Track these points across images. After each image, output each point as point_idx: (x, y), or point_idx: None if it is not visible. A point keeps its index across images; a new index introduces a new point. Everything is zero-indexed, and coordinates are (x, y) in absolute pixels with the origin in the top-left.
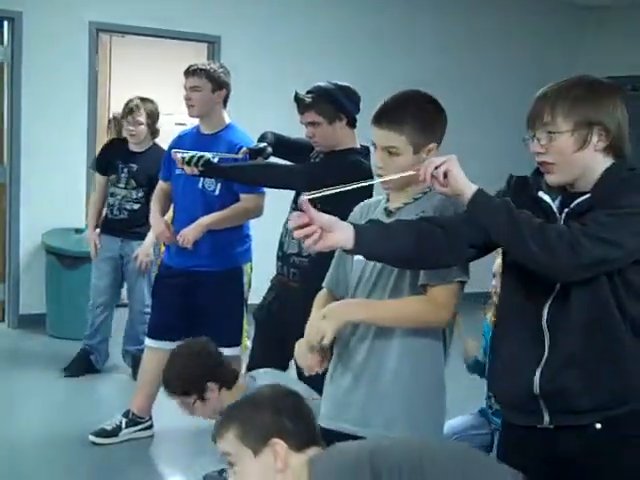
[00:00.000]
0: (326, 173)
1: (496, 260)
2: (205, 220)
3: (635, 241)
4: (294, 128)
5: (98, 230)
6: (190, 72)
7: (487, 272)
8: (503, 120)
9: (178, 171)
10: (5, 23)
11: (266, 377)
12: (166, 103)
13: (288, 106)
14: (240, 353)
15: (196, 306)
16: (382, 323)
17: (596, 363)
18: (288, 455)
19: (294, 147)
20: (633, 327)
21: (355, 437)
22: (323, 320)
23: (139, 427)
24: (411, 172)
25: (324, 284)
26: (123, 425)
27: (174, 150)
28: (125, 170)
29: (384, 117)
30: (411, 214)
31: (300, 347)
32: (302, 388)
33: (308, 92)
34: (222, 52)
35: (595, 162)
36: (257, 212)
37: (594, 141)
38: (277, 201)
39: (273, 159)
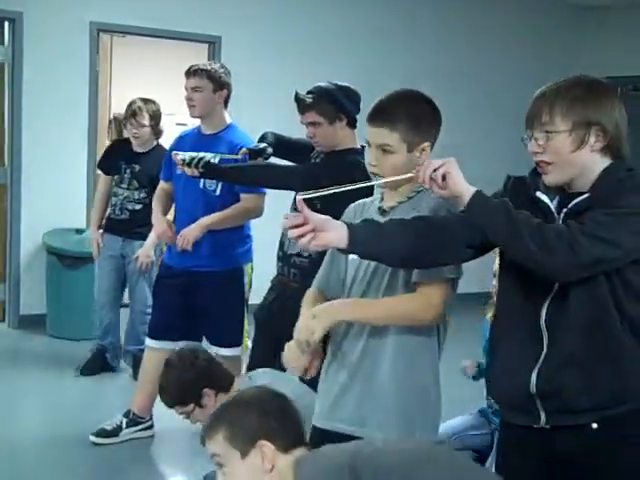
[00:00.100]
0: (326, 173)
1: (496, 260)
2: (205, 220)
3: (633, 241)
4: (295, 128)
5: (101, 230)
6: (191, 72)
7: (487, 272)
8: (503, 119)
9: (179, 171)
10: (6, 23)
11: (265, 377)
12: (167, 103)
13: (289, 106)
14: (241, 353)
15: (197, 306)
16: (372, 322)
17: (595, 363)
18: (275, 456)
19: (294, 147)
20: (632, 327)
21: (351, 437)
22: (313, 319)
23: (140, 427)
24: (410, 174)
25: (314, 284)
26: (124, 425)
27: (174, 152)
28: (128, 170)
29: (378, 115)
30: (405, 213)
31: (289, 348)
32: (303, 389)
33: (308, 92)
34: (222, 52)
35: (593, 162)
36: (257, 212)
37: (591, 141)
38: (277, 201)
39: (273, 159)
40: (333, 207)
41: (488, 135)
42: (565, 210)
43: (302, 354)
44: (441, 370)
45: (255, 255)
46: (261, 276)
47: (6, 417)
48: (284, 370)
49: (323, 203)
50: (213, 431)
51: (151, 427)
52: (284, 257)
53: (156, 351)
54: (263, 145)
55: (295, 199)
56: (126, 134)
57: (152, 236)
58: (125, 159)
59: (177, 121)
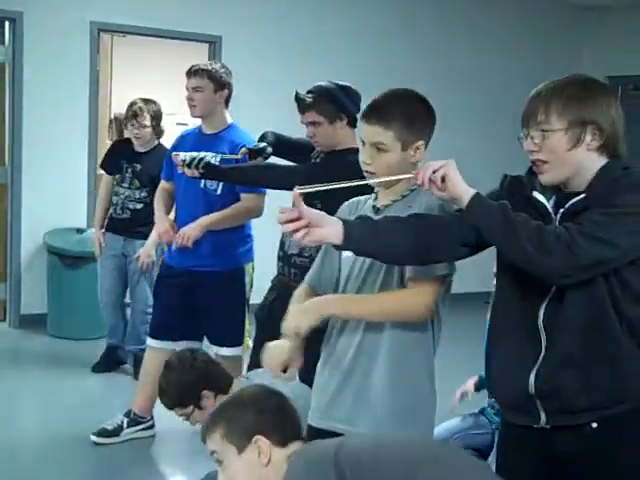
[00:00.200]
0: (326, 173)
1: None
2: (205, 220)
3: (629, 240)
4: (295, 128)
5: (103, 229)
6: (192, 72)
7: (488, 272)
8: (503, 119)
9: (180, 171)
10: (6, 23)
11: (264, 377)
12: (167, 103)
13: (289, 106)
14: (242, 353)
15: (198, 306)
16: (361, 317)
17: (593, 363)
18: (271, 451)
19: (294, 147)
20: (630, 328)
21: None
22: (301, 313)
23: (140, 427)
24: (409, 175)
25: (305, 280)
26: (124, 425)
27: (174, 153)
28: (129, 170)
29: (373, 114)
30: (399, 212)
31: (268, 349)
32: (302, 388)
33: (309, 92)
34: (223, 52)
35: (589, 161)
36: (258, 212)
37: (587, 140)
38: (278, 201)
39: (273, 159)
40: (334, 206)
41: (488, 135)
42: (562, 210)
43: (281, 355)
44: (442, 371)
45: (256, 255)
46: (262, 276)
47: (6, 417)
48: (284, 371)
49: (323, 202)
50: (211, 429)
51: (152, 427)
52: (285, 257)
53: (157, 351)
54: (263, 145)
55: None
56: (127, 134)
57: (153, 235)
58: (126, 159)
59: (178, 121)
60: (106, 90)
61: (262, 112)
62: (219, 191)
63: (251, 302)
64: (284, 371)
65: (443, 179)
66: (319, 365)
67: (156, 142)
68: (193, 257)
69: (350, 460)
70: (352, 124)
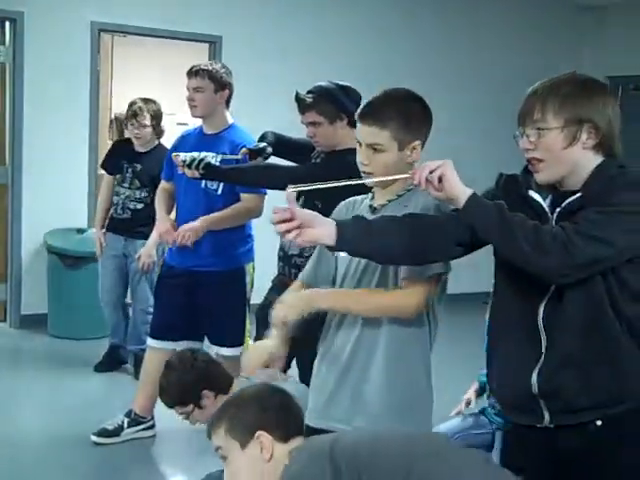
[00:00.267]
0: (326, 173)
1: None
2: (205, 219)
3: (625, 239)
4: (296, 128)
5: (104, 229)
6: (193, 73)
7: (484, 272)
8: (503, 117)
9: (180, 171)
10: (7, 23)
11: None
12: (168, 103)
13: (290, 106)
14: (243, 352)
15: (198, 306)
16: (352, 312)
17: (593, 363)
18: (274, 446)
19: (295, 147)
20: (629, 328)
21: None
22: (290, 304)
23: (141, 427)
24: (406, 175)
25: (300, 276)
26: (125, 425)
27: (174, 154)
28: (130, 170)
29: (369, 114)
30: (396, 211)
31: (249, 349)
32: (302, 388)
33: (309, 92)
34: (223, 52)
35: (585, 160)
36: (257, 212)
37: (583, 138)
38: (278, 201)
39: (274, 159)
40: (334, 206)
41: (488, 134)
42: (558, 209)
43: (261, 355)
44: (440, 370)
45: (256, 255)
46: (262, 276)
47: (7, 416)
48: (285, 370)
49: (324, 202)
50: (216, 425)
51: (152, 427)
52: (285, 257)
53: (158, 351)
54: (263, 145)
55: (296, 199)
56: (127, 134)
57: (154, 235)
58: (127, 158)
59: (178, 121)
60: (106, 90)
61: (263, 112)
62: (220, 191)
63: (252, 302)
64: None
65: (440, 179)
66: (316, 363)
67: (156, 142)
68: (194, 257)
69: (346, 454)
70: (352, 124)
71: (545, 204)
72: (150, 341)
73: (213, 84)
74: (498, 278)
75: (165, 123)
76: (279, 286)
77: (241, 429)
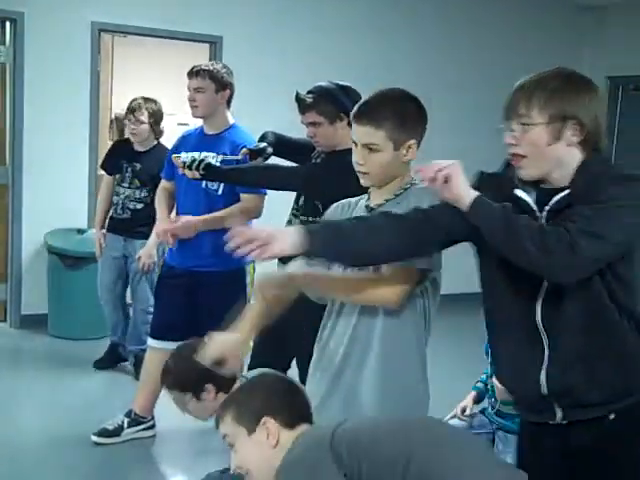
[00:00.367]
0: (326, 173)
1: None
2: (204, 217)
3: (621, 233)
4: (296, 128)
5: (104, 230)
6: (194, 73)
7: None
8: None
9: (180, 172)
10: (7, 24)
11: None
12: (168, 103)
13: (291, 106)
14: None
15: (199, 306)
16: (333, 296)
17: (598, 358)
18: (280, 432)
19: (295, 147)
20: (631, 319)
21: None
22: (273, 277)
23: (141, 427)
24: (416, 171)
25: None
26: (125, 425)
27: (174, 155)
28: (129, 169)
29: (364, 114)
30: (393, 210)
31: (209, 339)
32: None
33: (309, 92)
34: (224, 52)
35: (569, 156)
36: (257, 212)
37: (568, 135)
38: (279, 201)
39: (274, 159)
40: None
41: (489, 133)
42: (547, 207)
43: (222, 347)
44: (442, 371)
45: None
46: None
47: (7, 417)
48: (285, 370)
49: (324, 203)
50: (223, 413)
51: (153, 427)
52: (285, 257)
53: (158, 351)
54: (263, 145)
55: (296, 199)
56: (126, 133)
57: (154, 236)
58: (126, 158)
59: (179, 121)
60: (107, 90)
61: (263, 112)
62: (220, 192)
63: (252, 302)
64: (219, 364)
65: (446, 180)
66: (311, 368)
67: (155, 141)
68: (194, 257)
69: (347, 441)
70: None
71: (532, 202)
72: (150, 341)
73: (214, 84)
74: (488, 280)
75: (166, 123)
76: None
77: (247, 416)
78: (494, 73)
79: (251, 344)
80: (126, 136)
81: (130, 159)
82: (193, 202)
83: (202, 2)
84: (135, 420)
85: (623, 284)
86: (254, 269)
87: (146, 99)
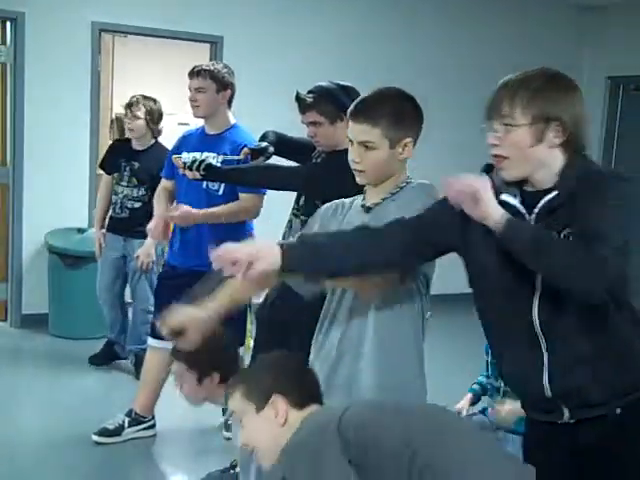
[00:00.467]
0: (327, 173)
1: None
2: (203, 215)
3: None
4: (297, 128)
5: (104, 230)
6: (194, 73)
7: None
8: None
9: (181, 172)
10: (8, 23)
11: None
12: (169, 103)
13: (292, 105)
14: (243, 353)
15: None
16: None
17: (597, 360)
18: (288, 412)
19: (296, 146)
20: (627, 318)
21: None
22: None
23: (142, 426)
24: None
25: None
26: (126, 424)
27: (175, 156)
28: (127, 168)
29: (360, 112)
30: (390, 208)
31: (177, 308)
32: None
33: (309, 92)
34: (225, 52)
35: (551, 158)
36: (254, 212)
37: (550, 137)
38: (279, 202)
39: (275, 158)
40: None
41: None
42: (536, 210)
43: (183, 317)
44: (442, 371)
45: None
46: None
47: (8, 416)
48: (180, 334)
49: (324, 203)
50: (233, 389)
51: (153, 426)
52: None
53: (158, 350)
54: (264, 144)
55: (297, 199)
56: (126, 133)
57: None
58: (125, 157)
59: (179, 121)
60: (107, 90)
61: (264, 111)
62: (221, 192)
63: (252, 302)
64: (178, 334)
65: (473, 196)
66: (309, 364)
67: (153, 140)
68: (195, 257)
69: (354, 426)
70: None
71: (519, 205)
72: (151, 341)
73: (215, 84)
74: (479, 285)
75: (166, 123)
76: (279, 286)
77: (257, 393)
78: (494, 73)
79: (251, 343)
80: (126, 135)
81: (128, 158)
82: (194, 202)
83: (203, 2)
84: (136, 420)
85: (619, 283)
86: None
87: (145, 97)
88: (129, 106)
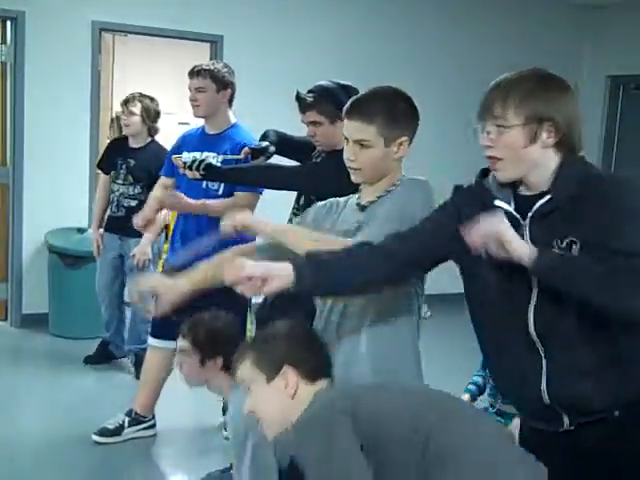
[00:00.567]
0: (327, 173)
1: None
2: (197, 202)
3: None
4: (297, 127)
5: (102, 230)
6: (194, 73)
7: None
8: None
9: (181, 172)
10: (8, 23)
11: None
12: (169, 102)
13: (292, 104)
14: None
15: (200, 306)
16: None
17: (597, 366)
18: (299, 384)
19: (297, 145)
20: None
21: None
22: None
23: (142, 426)
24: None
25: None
26: (126, 424)
27: (175, 156)
28: (123, 166)
29: (355, 110)
30: (385, 206)
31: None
32: None
33: (309, 91)
34: (225, 51)
35: (545, 158)
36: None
37: (543, 137)
38: (279, 202)
39: (276, 157)
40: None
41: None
42: (530, 214)
43: (154, 281)
44: (439, 371)
45: None
46: None
47: (8, 416)
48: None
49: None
50: (243, 357)
51: (153, 426)
52: None
53: (158, 350)
54: (265, 144)
55: (297, 199)
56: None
57: (147, 234)
58: (121, 155)
59: (180, 120)
60: (107, 90)
61: (264, 111)
62: (220, 191)
63: (252, 302)
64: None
65: (499, 241)
66: None
67: (149, 138)
68: (196, 257)
69: (367, 412)
70: None
71: (514, 210)
72: (151, 340)
73: (215, 84)
74: (478, 296)
75: (166, 123)
76: None
77: (268, 362)
78: (494, 73)
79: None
80: (123, 132)
81: (125, 155)
82: None
83: (203, 1)
84: (136, 419)
85: None
86: None
87: (142, 94)
88: (125, 102)
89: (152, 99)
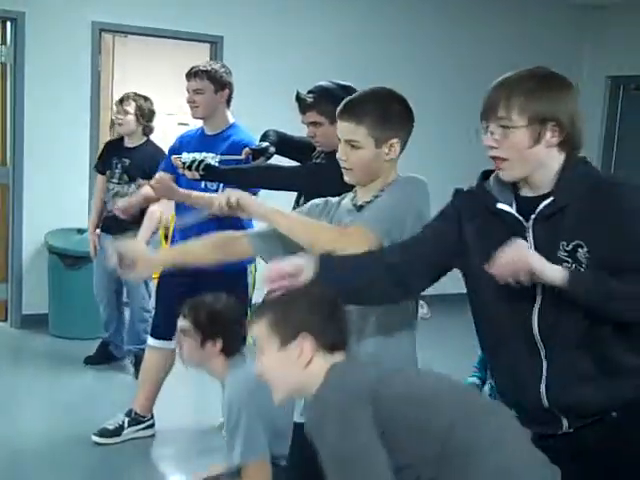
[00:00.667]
0: (327, 173)
1: None
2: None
3: None
4: (297, 128)
5: (98, 230)
6: (192, 74)
7: None
8: None
9: (180, 172)
10: (8, 23)
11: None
12: (169, 103)
13: (292, 105)
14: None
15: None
16: (291, 236)
17: (602, 373)
18: (314, 355)
19: (297, 145)
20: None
21: None
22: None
23: (141, 426)
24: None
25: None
26: (125, 424)
27: (175, 156)
28: (119, 165)
29: (346, 111)
30: (377, 203)
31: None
32: None
33: (309, 92)
34: (225, 52)
35: (549, 158)
36: None
37: (547, 137)
38: (279, 202)
39: (276, 157)
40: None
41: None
42: (533, 216)
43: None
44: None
45: None
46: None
47: (8, 416)
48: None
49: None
50: (259, 317)
51: (153, 426)
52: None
53: (158, 350)
54: (265, 144)
55: (297, 199)
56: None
57: (142, 233)
58: (117, 155)
59: (179, 121)
60: (107, 90)
61: (264, 111)
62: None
63: (253, 302)
64: (128, 265)
65: (525, 269)
66: None
67: (145, 138)
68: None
69: (392, 400)
70: None
71: (516, 213)
72: (151, 340)
73: (213, 85)
74: (480, 298)
75: (166, 123)
76: None
77: (285, 326)
78: (494, 73)
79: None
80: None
81: (120, 155)
82: None
83: (203, 2)
84: (135, 419)
85: None
86: (255, 269)
87: (137, 94)
88: (120, 101)
89: (146, 98)
